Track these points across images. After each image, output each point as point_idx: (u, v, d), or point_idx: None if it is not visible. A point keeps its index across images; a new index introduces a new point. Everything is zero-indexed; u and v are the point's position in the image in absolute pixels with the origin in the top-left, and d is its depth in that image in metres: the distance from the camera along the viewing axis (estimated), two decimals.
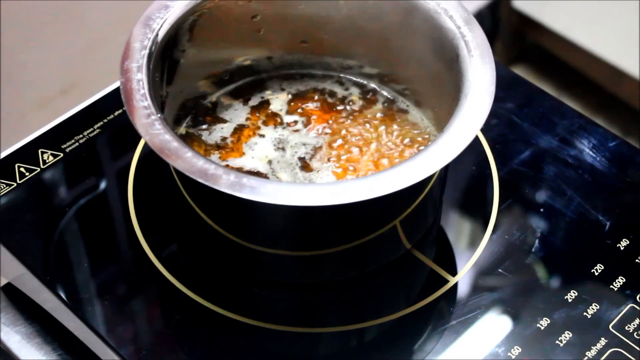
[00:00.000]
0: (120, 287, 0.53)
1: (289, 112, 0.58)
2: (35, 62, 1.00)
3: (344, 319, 0.51)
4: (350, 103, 0.58)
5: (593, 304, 0.51)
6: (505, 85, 0.62)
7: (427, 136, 0.56)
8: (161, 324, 0.52)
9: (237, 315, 0.51)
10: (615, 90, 1.30)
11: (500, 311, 0.51)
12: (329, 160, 0.55)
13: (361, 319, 0.51)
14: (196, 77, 0.57)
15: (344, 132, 0.57)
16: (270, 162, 0.55)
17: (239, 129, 0.57)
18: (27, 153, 0.58)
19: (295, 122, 0.57)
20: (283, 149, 0.56)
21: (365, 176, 0.45)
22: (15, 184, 0.56)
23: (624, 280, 0.52)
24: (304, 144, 0.56)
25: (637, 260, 0.53)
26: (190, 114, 0.57)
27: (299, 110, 0.58)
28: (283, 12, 0.56)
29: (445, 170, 0.54)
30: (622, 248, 0.54)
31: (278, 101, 0.59)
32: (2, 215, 0.55)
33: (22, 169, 0.57)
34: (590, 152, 0.58)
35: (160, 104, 0.50)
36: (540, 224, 0.55)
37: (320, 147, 0.56)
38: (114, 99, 0.61)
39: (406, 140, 0.56)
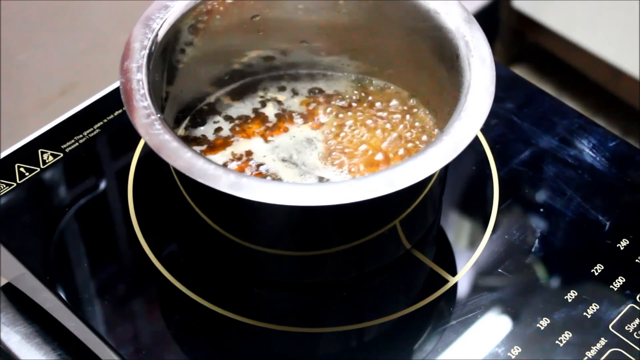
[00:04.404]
0: (120, 287, 0.53)
1: (289, 112, 0.58)
2: (35, 62, 1.00)
3: (344, 319, 0.51)
4: (350, 102, 0.58)
5: (593, 304, 0.51)
6: (505, 85, 0.62)
7: (427, 136, 0.56)
8: (161, 324, 0.52)
9: (237, 315, 0.51)
10: (615, 90, 1.31)
11: (500, 311, 0.51)
12: (330, 159, 0.55)
13: (361, 319, 0.51)
14: (196, 77, 0.57)
15: (344, 131, 0.57)
16: (271, 161, 0.55)
17: (239, 129, 0.57)
18: (27, 153, 0.58)
19: (296, 121, 0.57)
20: (284, 148, 0.56)
21: (365, 176, 0.45)
22: (15, 184, 0.56)
23: (624, 280, 0.52)
24: (305, 144, 0.56)
25: (637, 260, 0.53)
26: (190, 114, 0.57)
27: (299, 110, 0.58)
28: (283, 13, 0.56)
29: (445, 170, 0.54)
30: (622, 248, 0.54)
31: (279, 102, 0.59)
32: (2, 215, 0.55)
33: (22, 169, 0.57)
34: (590, 152, 0.58)
35: (160, 104, 0.50)
36: (540, 224, 0.55)
37: (321, 146, 0.56)
38: (114, 99, 0.61)
39: (408, 140, 0.56)
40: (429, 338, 0.50)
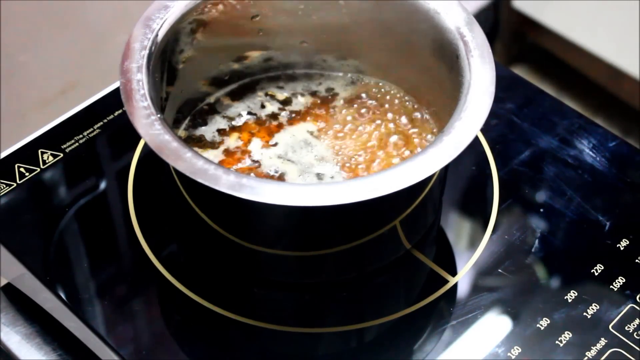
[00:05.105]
0: (120, 287, 0.53)
1: (288, 112, 0.58)
2: (35, 62, 1.00)
3: (344, 319, 0.51)
4: (349, 102, 0.58)
5: (593, 304, 0.51)
6: (505, 85, 0.62)
7: (426, 136, 0.56)
8: (161, 324, 0.52)
9: (237, 315, 0.51)
10: (615, 90, 1.31)
11: (500, 311, 0.51)
12: (328, 158, 0.55)
13: (361, 319, 0.51)
14: (196, 77, 0.57)
15: (343, 131, 0.57)
16: (268, 159, 0.55)
17: (238, 129, 0.57)
18: (27, 153, 0.58)
19: (296, 121, 0.57)
20: (283, 148, 0.56)
21: (366, 176, 0.45)
22: (15, 184, 0.56)
23: (624, 280, 0.52)
24: (304, 143, 0.56)
25: (637, 260, 0.53)
26: (190, 115, 0.58)
27: (300, 110, 0.58)
28: (283, 13, 0.56)
29: (445, 170, 0.54)
30: (622, 248, 0.54)
31: (278, 102, 0.59)
32: (2, 215, 0.55)
33: (22, 169, 0.57)
34: (590, 152, 0.58)
35: (160, 104, 0.50)
36: (540, 224, 0.55)
37: (320, 146, 0.56)
38: (114, 99, 0.61)
39: (407, 140, 0.56)
40: (429, 338, 0.50)
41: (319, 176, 0.54)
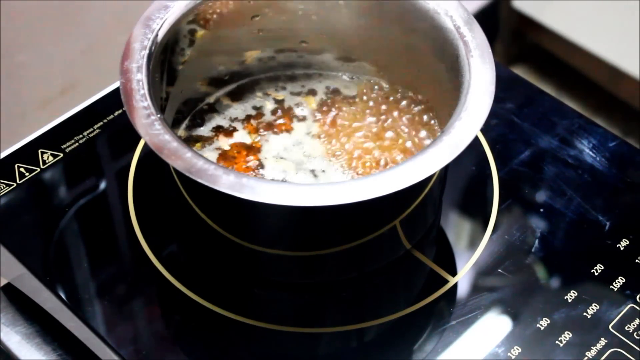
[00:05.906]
0: (120, 287, 0.53)
1: (289, 112, 0.58)
2: (35, 62, 1.00)
3: (344, 319, 0.51)
4: (349, 102, 0.58)
5: (593, 304, 0.51)
6: (505, 85, 0.62)
7: (426, 136, 0.56)
8: (161, 324, 0.52)
9: (237, 315, 0.51)
10: (615, 90, 1.31)
11: (500, 311, 0.51)
12: (328, 157, 0.55)
13: (361, 319, 0.51)
14: (196, 77, 0.57)
15: (342, 131, 0.57)
16: (265, 159, 0.55)
17: (238, 129, 0.57)
18: (27, 153, 0.58)
19: (295, 121, 0.57)
20: (283, 147, 0.56)
21: (365, 176, 0.45)
22: (15, 184, 0.56)
23: (624, 280, 0.52)
24: (303, 143, 0.56)
25: (637, 260, 0.53)
26: (190, 115, 0.58)
27: (300, 110, 0.58)
28: (283, 13, 0.56)
29: (445, 170, 0.54)
30: (622, 248, 0.54)
31: (277, 102, 0.59)
32: (2, 215, 0.55)
33: (22, 169, 0.57)
34: (590, 152, 0.59)
35: (160, 104, 0.50)
36: (540, 224, 0.55)
37: (319, 145, 0.56)
38: (114, 99, 0.61)
39: (407, 140, 0.56)
40: (429, 338, 0.50)
41: (314, 173, 0.54)
